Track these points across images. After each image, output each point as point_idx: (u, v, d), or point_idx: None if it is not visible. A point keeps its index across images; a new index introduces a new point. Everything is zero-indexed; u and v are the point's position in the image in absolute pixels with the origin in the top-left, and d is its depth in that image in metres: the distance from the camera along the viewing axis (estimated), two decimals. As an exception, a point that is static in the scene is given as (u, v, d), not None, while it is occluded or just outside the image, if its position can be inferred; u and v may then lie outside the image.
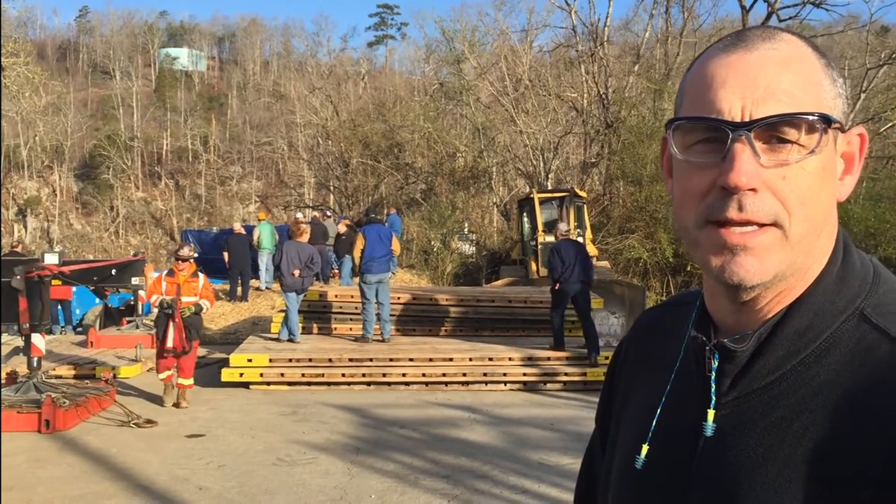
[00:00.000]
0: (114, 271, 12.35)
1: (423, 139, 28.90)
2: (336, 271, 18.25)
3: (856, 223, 19.98)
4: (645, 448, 0.93)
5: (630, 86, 26.43)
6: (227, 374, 9.85)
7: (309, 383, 9.96)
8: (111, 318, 16.08)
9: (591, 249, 18.27)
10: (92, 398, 8.46)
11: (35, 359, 8.41)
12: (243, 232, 18.11)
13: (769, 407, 0.83)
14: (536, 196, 18.44)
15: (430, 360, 10.29)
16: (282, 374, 9.93)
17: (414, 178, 30.16)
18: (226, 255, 16.99)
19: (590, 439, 1.19)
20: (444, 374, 10.05)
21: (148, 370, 11.17)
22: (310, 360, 10.16)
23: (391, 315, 11.75)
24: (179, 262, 9.30)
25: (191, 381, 9.18)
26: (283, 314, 11.49)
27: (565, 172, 29.27)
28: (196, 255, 9.38)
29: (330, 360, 10.17)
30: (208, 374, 10.68)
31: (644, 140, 22.15)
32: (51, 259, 10.18)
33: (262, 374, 9.89)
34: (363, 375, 10.00)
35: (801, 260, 0.83)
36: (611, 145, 24.56)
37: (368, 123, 32.35)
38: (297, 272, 11.00)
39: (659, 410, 0.94)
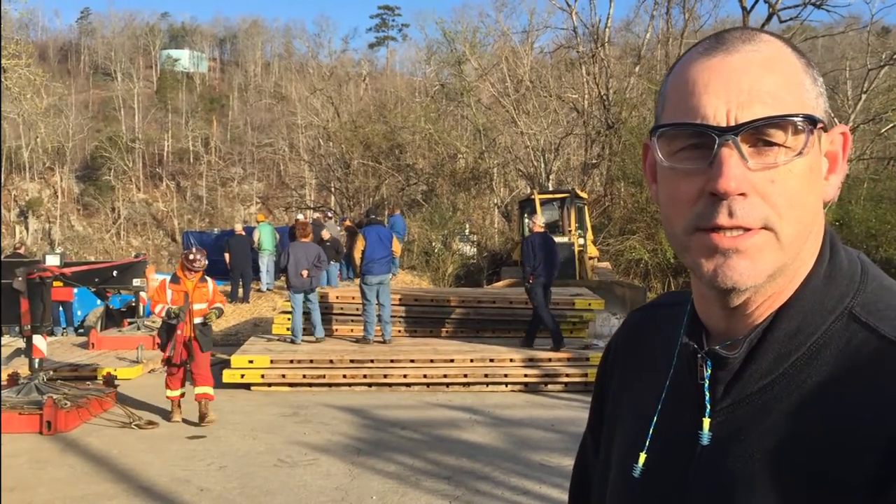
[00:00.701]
0: (115, 273, 12.37)
1: (424, 140, 28.92)
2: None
3: (857, 224, 20.00)
4: (642, 457, 0.92)
5: (631, 87, 26.45)
6: (228, 376, 9.86)
7: (310, 384, 9.97)
8: (112, 319, 16.09)
9: (593, 250, 18.31)
10: (93, 399, 8.47)
11: (37, 360, 8.42)
12: (244, 233, 18.11)
13: (763, 412, 0.83)
14: (537, 197, 18.43)
15: (432, 361, 10.29)
16: (283, 376, 9.93)
17: (415, 180, 30.18)
18: (227, 256, 17.00)
19: (581, 441, 1.19)
20: (445, 376, 10.05)
21: (149, 371, 11.19)
22: (311, 361, 10.16)
23: (392, 316, 11.76)
24: (188, 271, 8.47)
25: (210, 388, 8.32)
26: (283, 314, 11.50)
27: (566, 173, 29.28)
28: (206, 261, 8.76)
29: (331, 361, 10.18)
30: (209, 375, 10.69)
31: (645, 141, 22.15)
32: (52, 261, 10.21)
33: (263, 376, 9.90)
34: (364, 377, 10.01)
35: (791, 262, 0.83)
36: (612, 146, 24.57)
37: (369, 125, 32.37)
38: (305, 273, 11.02)
39: (655, 419, 0.93)
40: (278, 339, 11.49)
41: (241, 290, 16.95)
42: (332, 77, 49.61)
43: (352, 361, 10.20)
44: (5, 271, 8.29)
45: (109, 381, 9.28)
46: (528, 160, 27.09)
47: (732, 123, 0.79)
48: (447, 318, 12.58)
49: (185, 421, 8.32)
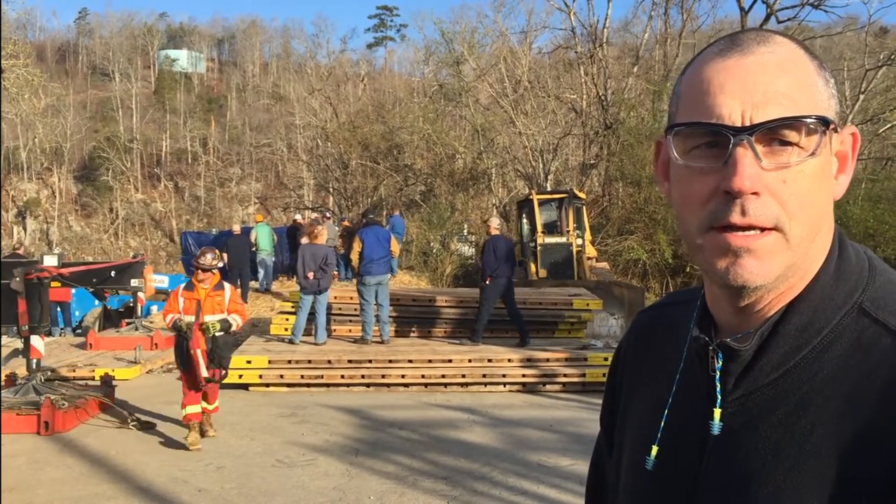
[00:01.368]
0: (113, 273, 12.36)
1: (423, 140, 28.92)
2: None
3: (855, 224, 20.01)
4: (654, 449, 0.94)
5: (629, 87, 26.49)
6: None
7: (308, 385, 9.96)
8: (110, 319, 16.09)
9: (591, 251, 18.31)
10: (91, 400, 8.46)
11: (34, 360, 8.42)
12: (242, 234, 18.11)
13: (774, 404, 0.84)
14: (536, 197, 18.43)
15: (430, 361, 10.29)
16: (281, 376, 9.93)
17: (413, 180, 30.16)
18: (225, 256, 16.99)
19: (596, 441, 1.20)
20: (443, 376, 10.05)
21: (147, 372, 11.18)
22: (309, 361, 10.16)
23: (390, 316, 11.76)
24: (200, 272, 7.63)
25: (216, 404, 7.89)
26: (282, 315, 11.49)
27: (564, 174, 29.30)
28: (221, 263, 8.06)
29: (329, 361, 10.18)
30: (207, 375, 10.67)
31: (643, 141, 22.18)
32: (50, 261, 10.18)
33: (261, 376, 9.89)
34: (362, 377, 10.01)
35: (800, 261, 0.85)
36: (610, 146, 24.59)
37: (368, 125, 32.36)
38: (311, 274, 11.05)
39: (666, 411, 0.95)
40: (276, 340, 11.48)
41: (238, 291, 16.94)
42: (331, 77, 49.54)
43: (350, 362, 10.20)
44: (3, 272, 8.28)
45: (107, 381, 9.27)
46: (527, 160, 27.11)
47: (748, 123, 0.81)
48: (445, 318, 12.58)
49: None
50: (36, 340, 8.38)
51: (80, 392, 8.67)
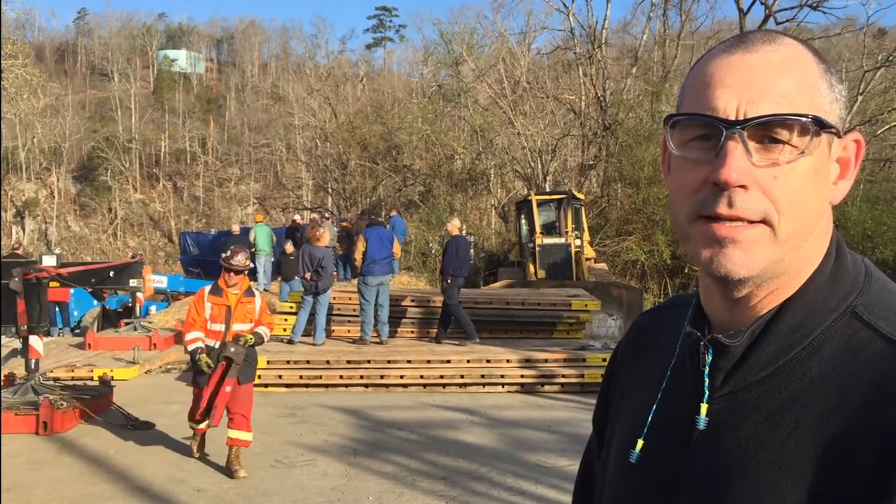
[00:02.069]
0: (112, 273, 12.35)
1: (422, 141, 28.92)
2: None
3: (853, 225, 20.04)
4: (640, 443, 0.95)
5: (628, 88, 26.50)
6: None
7: (307, 385, 9.97)
8: (109, 320, 16.07)
9: (589, 251, 18.32)
10: (89, 400, 8.46)
11: (33, 361, 8.41)
12: (240, 234, 18.12)
13: (761, 401, 0.85)
14: (534, 198, 18.45)
15: (428, 361, 10.30)
16: (279, 376, 9.93)
17: (412, 180, 30.18)
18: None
19: (588, 441, 1.21)
20: (441, 376, 10.06)
21: (146, 372, 11.17)
22: (307, 362, 10.16)
23: (389, 317, 11.77)
24: (231, 274, 6.69)
25: (249, 435, 6.59)
26: (280, 315, 11.51)
27: (563, 174, 29.31)
28: (252, 265, 7.37)
29: (328, 362, 10.18)
30: (206, 375, 10.67)
31: (642, 142, 22.19)
32: (49, 261, 10.16)
33: (259, 376, 9.86)
34: (361, 377, 10.01)
35: (789, 259, 0.85)
36: (608, 147, 24.61)
37: (367, 125, 32.38)
38: (308, 275, 11.09)
39: (655, 406, 0.95)
40: (275, 340, 11.47)
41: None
42: (330, 78, 49.60)
43: (349, 362, 10.20)
44: (2, 271, 8.27)
45: (106, 381, 9.27)
46: (525, 161, 27.12)
47: (741, 118, 0.82)
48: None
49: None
50: (34, 340, 8.38)
51: (79, 392, 8.66)
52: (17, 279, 8.05)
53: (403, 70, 76.09)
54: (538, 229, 17.63)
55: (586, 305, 12.57)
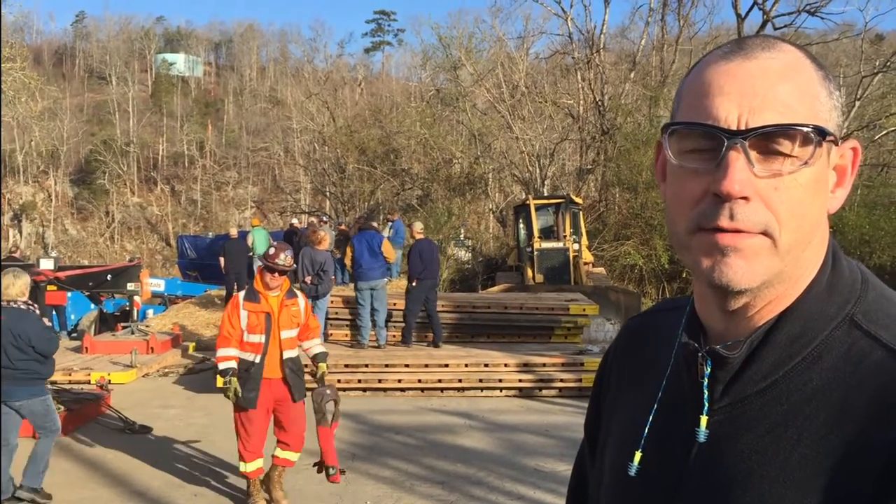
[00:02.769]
0: (109, 277, 12.36)
1: (420, 145, 28.92)
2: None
3: (851, 230, 20.06)
4: (638, 455, 0.93)
5: (626, 93, 26.53)
6: (221, 380, 9.79)
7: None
8: (106, 323, 16.04)
9: (587, 256, 18.34)
10: (87, 404, 8.44)
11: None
12: (238, 237, 18.11)
13: (762, 413, 0.84)
14: (532, 202, 18.46)
15: (426, 366, 10.29)
16: (277, 380, 9.90)
17: (410, 184, 30.17)
18: (222, 259, 17.00)
19: (579, 447, 1.20)
20: (439, 381, 10.05)
21: (143, 376, 11.15)
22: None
23: (387, 321, 11.76)
24: (275, 275, 5.82)
25: (296, 455, 6.02)
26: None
27: (561, 179, 29.34)
28: (296, 264, 6.42)
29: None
30: (203, 379, 10.67)
31: (640, 147, 22.22)
32: (46, 264, 10.16)
33: (257, 380, 9.86)
34: (359, 381, 10.00)
35: (789, 269, 0.84)
36: (606, 152, 24.63)
37: (365, 129, 32.37)
38: (308, 279, 11.07)
39: (651, 417, 0.94)
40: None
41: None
42: (328, 81, 49.57)
43: (346, 366, 10.19)
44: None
45: (103, 385, 9.25)
46: (524, 165, 27.14)
47: (743, 127, 0.80)
48: (442, 323, 12.56)
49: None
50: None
51: (76, 396, 8.65)
52: (14, 282, 8.03)
53: (402, 74, 76.20)
54: (536, 233, 17.64)
55: (584, 310, 12.56)
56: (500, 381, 10.12)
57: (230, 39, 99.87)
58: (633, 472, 0.93)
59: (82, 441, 7.66)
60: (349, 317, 12.18)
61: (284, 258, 5.79)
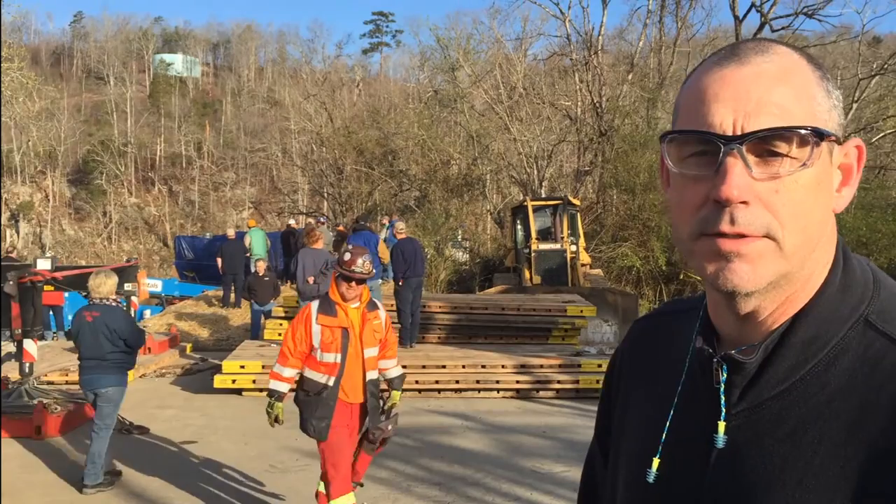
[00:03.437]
0: (107, 277, 12.31)
1: (418, 146, 28.94)
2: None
3: (848, 233, 20.07)
4: (656, 461, 0.93)
5: (624, 94, 26.56)
6: (219, 381, 9.83)
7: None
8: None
9: (585, 257, 18.35)
10: (84, 404, 8.43)
11: (27, 364, 8.39)
12: (236, 238, 18.10)
13: (781, 417, 0.84)
14: (530, 204, 18.48)
15: (423, 367, 10.29)
16: (275, 381, 9.89)
17: (408, 186, 30.18)
18: (219, 260, 16.98)
19: (588, 451, 1.19)
20: (436, 382, 10.05)
21: (140, 376, 11.14)
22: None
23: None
24: (353, 284, 4.90)
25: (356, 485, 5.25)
26: (275, 319, 11.46)
27: (559, 180, 29.36)
28: (374, 270, 5.64)
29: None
30: (201, 380, 10.66)
31: (637, 149, 22.24)
32: (43, 264, 10.12)
33: (254, 381, 9.86)
34: (356, 382, 9.98)
35: (796, 271, 0.84)
36: (604, 153, 24.65)
37: (363, 130, 32.37)
38: (311, 279, 10.99)
39: (667, 423, 0.94)
40: (270, 345, 11.46)
41: (232, 295, 16.91)
42: (326, 82, 49.52)
43: (344, 367, 10.17)
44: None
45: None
46: (521, 167, 27.16)
47: (739, 133, 0.80)
48: (439, 324, 12.58)
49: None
50: (29, 344, 8.36)
51: (73, 396, 8.63)
52: (11, 283, 8.04)
53: (400, 75, 76.26)
54: (534, 235, 17.66)
55: (582, 311, 12.58)
56: (498, 382, 10.12)
57: (228, 40, 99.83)
58: (651, 478, 0.93)
59: (79, 441, 7.64)
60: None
61: (363, 264, 4.87)
